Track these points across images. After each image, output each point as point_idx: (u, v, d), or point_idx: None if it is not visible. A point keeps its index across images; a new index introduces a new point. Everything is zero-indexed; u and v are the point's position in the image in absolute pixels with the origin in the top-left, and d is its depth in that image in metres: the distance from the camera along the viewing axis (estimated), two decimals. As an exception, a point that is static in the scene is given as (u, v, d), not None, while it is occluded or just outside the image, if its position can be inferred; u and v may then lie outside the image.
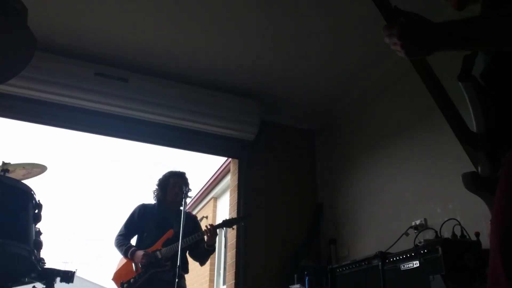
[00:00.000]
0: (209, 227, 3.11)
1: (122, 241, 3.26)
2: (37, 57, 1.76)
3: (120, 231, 3.31)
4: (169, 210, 3.34)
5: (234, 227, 3.24)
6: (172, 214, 3.30)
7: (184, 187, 3.15)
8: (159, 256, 3.09)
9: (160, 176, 3.44)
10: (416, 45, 1.00)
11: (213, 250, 3.23)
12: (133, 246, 3.23)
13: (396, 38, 0.99)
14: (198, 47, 3.61)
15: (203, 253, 3.22)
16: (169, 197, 3.35)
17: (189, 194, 3.28)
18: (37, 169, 2.50)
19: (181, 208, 3.16)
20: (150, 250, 3.15)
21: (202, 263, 3.31)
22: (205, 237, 3.13)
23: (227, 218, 3.28)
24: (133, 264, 3.16)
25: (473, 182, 1.07)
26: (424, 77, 1.14)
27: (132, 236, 3.34)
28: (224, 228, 3.25)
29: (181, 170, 3.48)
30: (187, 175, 3.44)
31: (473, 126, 1.12)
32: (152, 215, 3.33)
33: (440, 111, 1.15)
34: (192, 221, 3.35)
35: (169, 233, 3.17)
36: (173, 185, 3.34)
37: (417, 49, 1.01)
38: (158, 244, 3.16)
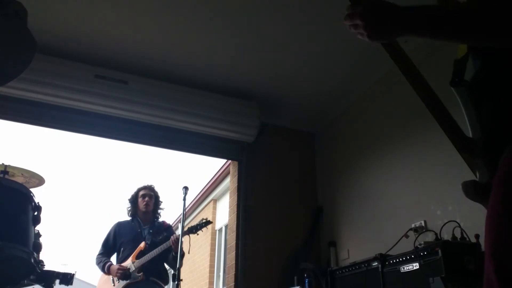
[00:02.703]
0: (174, 238, 3.30)
1: (100, 259, 3.51)
2: (37, 59, 1.76)
3: (99, 251, 3.58)
4: (144, 223, 3.61)
5: (199, 232, 3.42)
6: (146, 227, 3.58)
7: (155, 197, 3.59)
8: (133, 268, 3.32)
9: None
10: (380, 26, 0.94)
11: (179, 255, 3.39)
12: (109, 261, 3.49)
13: (359, 18, 0.94)
14: (198, 50, 3.62)
15: (172, 260, 3.40)
16: (140, 208, 3.62)
17: (161, 206, 3.72)
18: (35, 179, 2.51)
19: (155, 219, 3.64)
20: (124, 263, 3.39)
21: (174, 269, 3.42)
22: (173, 247, 3.32)
23: (193, 225, 3.42)
24: (111, 278, 3.41)
25: (474, 191, 1.05)
26: (414, 85, 1.13)
27: (111, 254, 3.59)
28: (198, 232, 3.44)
29: (150, 183, 3.80)
30: (157, 188, 3.75)
31: (468, 131, 1.11)
32: (127, 231, 3.59)
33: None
34: (165, 230, 3.60)
35: (142, 246, 3.42)
36: (142, 196, 3.64)
37: (380, 31, 0.95)
38: (132, 257, 3.39)
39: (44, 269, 2.04)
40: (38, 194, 2.06)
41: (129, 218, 3.70)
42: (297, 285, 3.66)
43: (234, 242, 4.11)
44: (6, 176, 2.25)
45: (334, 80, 3.97)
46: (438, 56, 2.96)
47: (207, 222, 3.45)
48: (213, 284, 8.51)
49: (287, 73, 3.91)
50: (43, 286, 2.03)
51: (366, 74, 3.84)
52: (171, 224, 3.93)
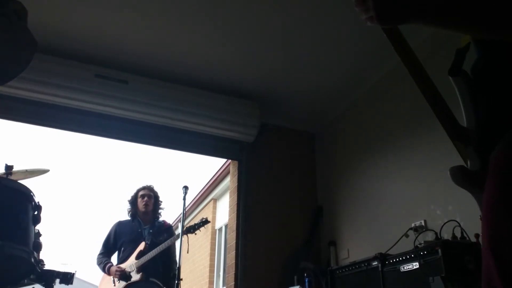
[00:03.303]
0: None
1: (101, 259, 3.53)
2: (37, 59, 1.76)
3: (100, 251, 3.59)
4: (144, 223, 3.62)
5: (197, 232, 3.45)
6: (146, 227, 3.59)
7: (154, 197, 3.60)
8: (133, 269, 3.33)
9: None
10: (391, 9, 0.92)
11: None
12: (109, 262, 3.51)
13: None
14: (199, 50, 3.62)
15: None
16: (139, 208, 3.62)
17: (161, 206, 3.73)
18: (39, 172, 2.52)
19: (156, 220, 3.64)
20: (125, 263, 3.41)
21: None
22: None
23: (191, 225, 3.44)
24: (112, 278, 3.43)
25: (461, 176, 1.07)
26: (411, 71, 1.13)
27: (111, 254, 3.60)
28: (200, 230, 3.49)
29: (150, 184, 3.81)
30: (156, 188, 3.77)
31: (464, 121, 1.12)
32: (128, 231, 3.60)
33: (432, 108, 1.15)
34: (165, 231, 3.61)
35: (141, 245, 3.43)
36: (141, 196, 3.65)
37: (390, 14, 0.92)
38: (132, 257, 3.41)
39: (44, 268, 2.03)
40: (38, 194, 2.06)
41: (129, 218, 3.70)
42: (297, 285, 3.66)
43: (234, 242, 4.11)
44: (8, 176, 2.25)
45: (334, 80, 3.97)
46: (443, 51, 2.95)
47: (205, 222, 3.47)
48: (213, 284, 8.51)
49: (287, 73, 3.91)
50: (43, 285, 2.03)
51: (366, 74, 3.84)
52: (171, 224, 3.93)
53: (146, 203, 3.61)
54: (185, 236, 3.27)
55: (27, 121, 3.77)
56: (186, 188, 3.33)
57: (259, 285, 3.91)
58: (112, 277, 3.41)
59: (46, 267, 2.06)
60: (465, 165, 1.09)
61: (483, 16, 0.85)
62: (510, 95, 0.95)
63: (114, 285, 3.38)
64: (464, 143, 1.09)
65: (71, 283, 2.16)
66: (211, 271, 8.66)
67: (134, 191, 3.74)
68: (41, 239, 2.06)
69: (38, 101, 3.58)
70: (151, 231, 3.54)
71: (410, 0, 0.91)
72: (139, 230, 3.56)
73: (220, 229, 8.72)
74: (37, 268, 1.97)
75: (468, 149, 1.08)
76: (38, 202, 2.05)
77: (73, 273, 2.16)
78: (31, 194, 2.02)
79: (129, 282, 3.30)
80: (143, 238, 3.49)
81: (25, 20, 1.53)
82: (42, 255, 2.05)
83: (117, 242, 3.58)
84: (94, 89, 3.63)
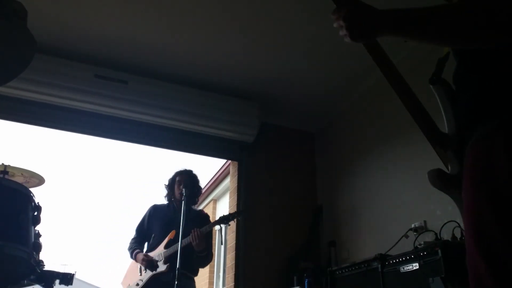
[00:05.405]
0: (195, 232, 2.94)
1: (131, 245, 3.26)
2: (37, 59, 1.76)
3: (133, 235, 3.33)
4: (179, 209, 3.12)
5: (231, 222, 3.13)
6: (180, 214, 3.07)
7: (183, 188, 3.09)
8: (160, 258, 3.05)
9: (164, 179, 3.43)
10: (360, 28, 1.03)
11: (205, 256, 3.08)
12: (137, 248, 3.22)
13: (342, 21, 1.04)
14: (198, 50, 3.62)
15: (197, 261, 3.11)
16: (176, 195, 3.28)
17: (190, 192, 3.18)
18: (35, 179, 2.49)
19: (192, 207, 3.24)
20: (153, 252, 3.13)
21: (202, 267, 3.25)
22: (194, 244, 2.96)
23: (225, 214, 3.12)
24: (139, 266, 3.17)
25: (439, 180, 1.09)
26: (391, 82, 1.19)
27: (145, 240, 3.30)
28: (223, 229, 3.22)
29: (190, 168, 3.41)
30: (194, 172, 3.37)
31: (445, 127, 1.14)
32: (161, 216, 3.30)
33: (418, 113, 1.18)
34: (202, 220, 3.22)
35: (172, 234, 3.09)
36: (178, 182, 3.29)
37: (360, 32, 1.04)
38: (161, 246, 3.12)
39: (44, 269, 2.03)
40: (38, 194, 2.06)
41: (166, 202, 3.38)
42: (297, 285, 3.66)
43: (234, 242, 4.11)
44: (6, 176, 2.25)
45: (334, 80, 3.97)
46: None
47: (239, 213, 3.24)
48: (213, 284, 8.51)
49: (287, 73, 3.91)
50: (43, 286, 2.03)
51: (366, 74, 3.83)
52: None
53: (181, 191, 3.16)
54: (218, 226, 3.06)
55: (27, 121, 3.77)
56: (186, 188, 3.23)
57: (259, 285, 3.91)
58: (139, 264, 3.16)
59: (46, 268, 2.06)
60: (445, 169, 1.10)
61: (432, 30, 0.98)
62: (485, 96, 0.97)
63: (140, 274, 3.13)
64: (444, 148, 1.11)
65: (71, 284, 2.16)
66: (211, 271, 8.65)
67: (172, 174, 3.39)
68: (41, 239, 2.06)
69: (38, 101, 3.58)
70: (185, 218, 3.04)
71: (377, 18, 1.01)
72: (173, 216, 3.20)
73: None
74: (37, 268, 1.97)
75: (448, 153, 1.10)
76: (38, 202, 2.05)
77: (73, 274, 2.16)
78: (31, 194, 2.02)
79: (155, 272, 3.03)
80: (175, 226, 3.07)
81: (25, 20, 1.53)
82: (42, 256, 2.05)
83: (150, 227, 3.29)
84: (94, 89, 3.62)
